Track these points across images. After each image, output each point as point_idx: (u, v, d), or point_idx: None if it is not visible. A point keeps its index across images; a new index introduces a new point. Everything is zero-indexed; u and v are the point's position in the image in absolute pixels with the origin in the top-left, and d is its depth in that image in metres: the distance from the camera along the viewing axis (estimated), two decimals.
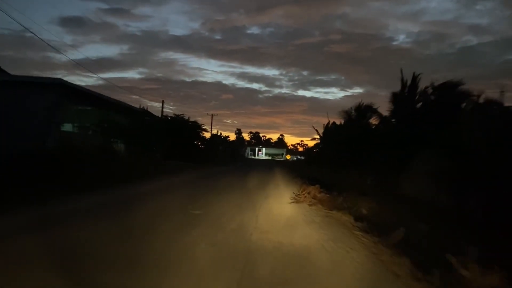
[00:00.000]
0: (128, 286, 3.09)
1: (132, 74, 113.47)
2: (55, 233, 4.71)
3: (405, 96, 15.99)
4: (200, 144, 34.60)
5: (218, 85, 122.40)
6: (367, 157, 16.60)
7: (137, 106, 26.53)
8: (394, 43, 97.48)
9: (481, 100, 12.42)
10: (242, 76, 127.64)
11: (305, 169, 24.71)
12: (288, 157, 76.52)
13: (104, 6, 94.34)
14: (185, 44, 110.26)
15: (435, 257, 4.45)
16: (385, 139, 15.68)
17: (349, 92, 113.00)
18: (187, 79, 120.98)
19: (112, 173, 12.88)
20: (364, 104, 22.30)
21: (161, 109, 34.82)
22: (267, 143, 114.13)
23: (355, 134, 20.43)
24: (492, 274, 3.23)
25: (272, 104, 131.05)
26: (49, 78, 15.77)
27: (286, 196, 9.86)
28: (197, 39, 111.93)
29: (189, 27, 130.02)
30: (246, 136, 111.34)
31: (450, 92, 14.13)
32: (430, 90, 15.03)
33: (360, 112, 22.59)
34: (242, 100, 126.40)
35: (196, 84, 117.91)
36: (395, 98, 16.28)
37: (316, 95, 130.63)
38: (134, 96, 79.62)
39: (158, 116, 30.35)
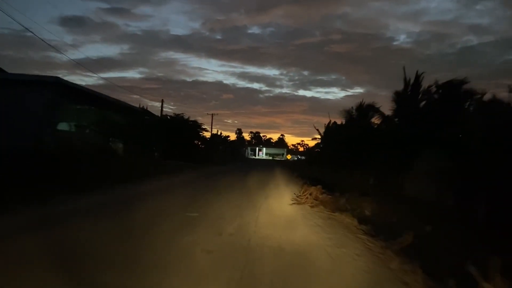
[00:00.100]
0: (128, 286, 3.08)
1: (133, 74, 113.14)
2: (53, 233, 4.67)
3: (408, 95, 15.74)
4: (200, 144, 34.33)
5: (219, 85, 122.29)
6: (369, 157, 16.35)
7: (138, 106, 26.37)
8: (395, 43, 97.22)
9: (485, 99, 12.15)
10: (243, 76, 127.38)
11: (306, 169, 24.44)
12: (289, 157, 76.21)
13: (105, 5, 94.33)
14: (186, 44, 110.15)
15: (447, 264, 4.17)
16: (387, 139, 15.44)
17: (350, 92, 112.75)
18: (188, 79, 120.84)
19: (111, 173, 12.68)
20: (365, 103, 22.08)
21: (161, 108, 34.55)
22: (268, 143, 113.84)
23: (357, 134, 20.19)
24: None
25: (273, 104, 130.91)
26: (46, 76, 15.53)
27: (287, 197, 9.58)
28: (197, 39, 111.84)
29: (189, 27, 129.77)
30: (246, 136, 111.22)
31: (454, 90, 13.86)
32: (433, 89, 14.78)
33: (361, 112, 22.34)
34: (242, 100, 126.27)
35: (196, 84, 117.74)
36: (398, 97, 16.02)
37: (317, 95, 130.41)
38: (134, 96, 79.98)
39: (157, 116, 30.09)
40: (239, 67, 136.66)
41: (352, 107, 23.65)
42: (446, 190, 11.31)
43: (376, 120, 19.49)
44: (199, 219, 6.00)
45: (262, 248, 4.35)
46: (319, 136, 29.44)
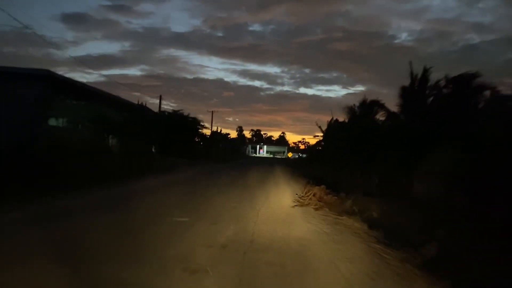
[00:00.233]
0: None
1: (134, 71, 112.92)
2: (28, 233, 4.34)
3: (415, 90, 15.05)
4: (199, 141, 33.69)
5: (220, 83, 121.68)
6: (374, 155, 15.69)
7: (137, 102, 25.63)
8: (397, 41, 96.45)
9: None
10: (244, 73, 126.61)
11: (307, 167, 23.70)
12: (290, 155, 75.31)
13: (106, 3, 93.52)
14: (187, 41, 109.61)
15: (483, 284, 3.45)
16: (393, 136, 14.79)
17: (351, 90, 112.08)
18: (189, 76, 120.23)
19: (103, 171, 12.12)
20: (368, 99, 21.35)
21: (162, 105, 33.80)
22: (269, 140, 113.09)
23: (361, 131, 19.50)
24: None
25: (274, 102, 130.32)
26: (36, 69, 14.78)
27: (288, 198, 8.86)
28: (198, 36, 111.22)
29: (190, 24, 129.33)
30: (247, 134, 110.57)
31: (466, 84, 13.15)
32: (443, 83, 14.11)
33: (365, 108, 21.64)
34: (243, 97, 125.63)
35: (197, 81, 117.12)
36: (404, 93, 15.31)
37: (318, 93, 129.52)
38: (135, 93, 79.34)
39: (155, 112, 29.36)
40: (240, 65, 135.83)
41: (354, 105, 23.02)
42: (458, 191, 10.56)
43: (380, 116, 18.68)
44: (188, 225, 5.28)
45: (259, 264, 3.62)
46: (321, 134, 28.74)
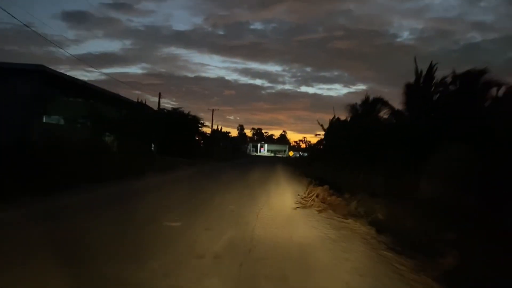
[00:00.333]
0: None
1: (135, 69, 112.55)
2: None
3: (420, 87, 14.61)
4: (200, 140, 33.28)
5: (221, 81, 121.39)
6: (377, 154, 15.28)
7: (138, 100, 25.21)
8: (398, 39, 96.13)
9: None
10: (245, 72, 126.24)
11: (309, 166, 23.25)
12: (291, 153, 74.83)
13: (107, 1, 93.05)
14: (188, 39, 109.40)
15: None
16: (398, 134, 14.37)
17: (352, 88, 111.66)
18: (190, 75, 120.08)
19: (100, 170, 11.75)
20: (370, 96, 20.92)
21: (163, 103, 33.37)
22: (270, 139, 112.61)
23: (364, 129, 19.08)
24: None
25: (275, 101, 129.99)
26: (30, 64, 14.32)
27: (290, 199, 8.41)
28: (200, 34, 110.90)
29: (192, 23, 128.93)
30: (248, 132, 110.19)
31: (474, 81, 12.71)
32: (449, 80, 13.69)
33: (368, 106, 21.20)
34: (244, 96, 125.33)
35: (198, 79, 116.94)
36: (409, 90, 14.87)
37: (319, 92, 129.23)
38: (136, 92, 79.19)
39: (155, 110, 28.94)
40: (241, 63, 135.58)
41: (356, 103, 22.58)
42: (468, 192, 10.10)
43: (384, 114, 18.22)
44: (179, 230, 4.80)
45: (257, 279, 3.17)
46: (322, 132, 28.29)
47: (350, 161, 17.74)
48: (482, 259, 4.57)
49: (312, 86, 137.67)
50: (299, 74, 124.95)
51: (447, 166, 10.95)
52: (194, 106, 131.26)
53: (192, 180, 12.60)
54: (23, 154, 12.41)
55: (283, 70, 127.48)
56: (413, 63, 14.25)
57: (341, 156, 20.31)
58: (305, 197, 8.24)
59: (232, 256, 3.72)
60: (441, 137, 11.84)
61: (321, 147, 31.96)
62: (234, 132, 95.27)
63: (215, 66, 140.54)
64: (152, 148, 25.34)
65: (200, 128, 31.35)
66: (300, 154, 67.40)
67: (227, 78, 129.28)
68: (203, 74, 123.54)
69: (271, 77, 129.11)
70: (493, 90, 12.04)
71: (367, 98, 21.30)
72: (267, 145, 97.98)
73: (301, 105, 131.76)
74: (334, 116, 27.12)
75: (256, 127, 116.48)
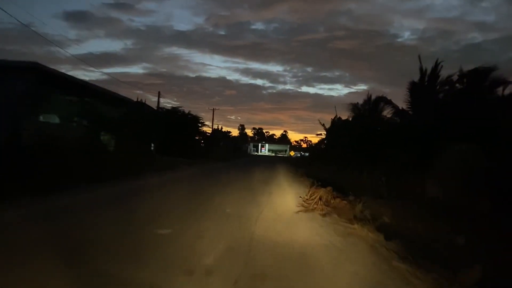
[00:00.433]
0: None
1: (136, 69, 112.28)
2: None
3: (425, 86, 14.21)
4: (199, 139, 32.89)
5: (222, 81, 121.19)
6: (381, 154, 14.88)
7: (138, 100, 24.84)
8: (399, 39, 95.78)
9: None
10: (246, 72, 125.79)
11: (310, 166, 22.81)
12: (292, 153, 74.47)
13: (109, 1, 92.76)
14: (189, 39, 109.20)
15: None
16: (403, 133, 13.98)
17: (353, 88, 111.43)
18: (191, 75, 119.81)
19: (96, 170, 11.42)
20: (373, 96, 20.60)
21: (164, 103, 33.00)
22: (271, 139, 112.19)
23: (367, 128, 18.70)
24: None
25: (276, 100, 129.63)
26: (24, 61, 13.93)
27: (291, 201, 7.98)
28: (201, 34, 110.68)
29: (193, 22, 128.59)
30: (249, 132, 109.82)
31: (482, 78, 12.30)
32: (456, 78, 13.29)
33: (370, 105, 20.83)
34: (245, 96, 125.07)
35: (199, 79, 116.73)
36: (413, 88, 14.46)
37: (320, 92, 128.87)
38: (137, 92, 78.69)
39: (154, 109, 28.54)
40: (242, 63, 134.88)
41: (357, 103, 22.21)
42: (478, 193, 9.67)
43: (387, 114, 17.82)
44: (169, 239, 4.34)
45: None
46: (324, 132, 27.90)
47: (353, 161, 17.33)
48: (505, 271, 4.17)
49: (313, 86, 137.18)
50: (300, 74, 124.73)
51: (454, 166, 10.54)
52: (195, 106, 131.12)
53: (190, 181, 12.18)
54: (13, 153, 12.04)
55: (284, 70, 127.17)
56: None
57: (343, 156, 19.91)
58: (307, 199, 7.81)
59: (226, 272, 3.27)
60: (448, 136, 11.43)
61: (323, 146, 31.55)
62: (235, 132, 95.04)
63: (216, 66, 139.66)
64: (152, 148, 24.95)
65: (200, 128, 30.97)
66: (301, 154, 67.02)
67: (228, 78, 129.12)
68: (204, 74, 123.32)
69: (272, 77, 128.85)
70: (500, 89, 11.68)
71: (369, 97, 20.94)
72: (268, 145, 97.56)
73: (302, 105, 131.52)
74: (336, 116, 26.74)
75: (257, 127, 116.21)
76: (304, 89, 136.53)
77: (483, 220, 7.95)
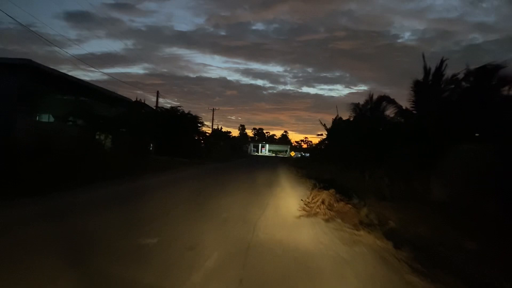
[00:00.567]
0: None
1: (137, 69, 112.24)
2: None
3: (429, 85, 13.81)
4: (199, 139, 32.49)
5: (223, 81, 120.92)
6: (384, 154, 14.48)
7: (140, 100, 24.45)
8: (399, 40, 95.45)
9: None
10: (247, 72, 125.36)
11: (311, 166, 22.37)
12: (292, 154, 73.99)
13: (109, 1, 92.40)
14: (190, 39, 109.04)
15: None
16: (407, 133, 13.58)
17: (354, 89, 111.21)
18: (192, 75, 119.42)
19: (89, 170, 11.06)
20: (374, 95, 20.24)
21: (165, 103, 32.60)
22: (271, 139, 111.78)
23: (369, 128, 18.32)
24: None
25: (276, 101, 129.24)
26: (16, 58, 13.54)
27: (292, 205, 7.53)
28: (201, 34, 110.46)
29: (193, 23, 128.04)
30: (249, 132, 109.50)
31: (490, 76, 11.89)
32: (462, 76, 12.88)
33: (372, 104, 20.45)
34: (246, 96, 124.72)
35: (200, 80, 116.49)
36: (417, 87, 14.07)
37: (321, 92, 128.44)
38: (138, 92, 78.33)
39: (152, 108, 28.12)
40: (243, 64, 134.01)
41: (359, 103, 21.83)
42: (488, 195, 9.24)
43: (390, 113, 17.44)
44: (153, 250, 3.82)
45: None
46: (325, 132, 27.52)
47: (354, 161, 16.93)
48: None
49: (313, 86, 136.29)
50: (300, 74, 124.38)
51: (462, 167, 10.12)
52: (196, 106, 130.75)
53: (186, 181, 11.73)
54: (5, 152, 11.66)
55: (285, 71, 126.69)
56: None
57: (345, 156, 19.50)
58: (309, 202, 7.37)
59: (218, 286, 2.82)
60: (456, 136, 11.03)
61: (324, 147, 31.15)
62: (235, 132, 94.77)
63: (217, 66, 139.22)
64: (151, 148, 24.56)
65: (199, 128, 30.57)
66: (301, 155, 66.64)
67: (228, 78, 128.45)
68: (205, 75, 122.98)
69: (272, 78, 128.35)
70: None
71: (371, 97, 20.54)
72: (268, 145, 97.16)
73: (303, 105, 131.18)
74: (337, 115, 26.33)
75: (257, 127, 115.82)
76: (305, 89, 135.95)
77: (494, 224, 7.53)
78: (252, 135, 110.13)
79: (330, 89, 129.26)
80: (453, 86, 13.06)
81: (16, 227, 4.57)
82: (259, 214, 6.27)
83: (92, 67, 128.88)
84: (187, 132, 27.35)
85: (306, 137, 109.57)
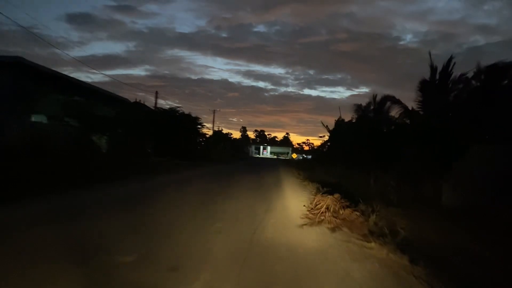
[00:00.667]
0: None
1: (138, 71, 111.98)
2: None
3: (436, 84, 13.28)
4: (199, 141, 31.97)
5: (224, 83, 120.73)
6: (389, 156, 13.94)
7: (139, 101, 24.00)
8: (401, 42, 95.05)
9: None
10: (248, 74, 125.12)
11: (313, 169, 21.76)
12: (294, 156, 73.34)
13: (112, 3, 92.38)
14: (192, 41, 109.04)
15: None
16: (414, 134, 13.03)
17: (355, 91, 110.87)
18: (193, 77, 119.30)
19: (82, 172, 10.74)
20: (376, 95, 19.81)
21: (166, 105, 32.09)
22: (273, 141, 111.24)
23: (373, 129, 17.80)
24: None
25: (278, 103, 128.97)
26: (6, 56, 13.03)
27: (294, 212, 6.90)
28: (203, 36, 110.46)
29: (195, 25, 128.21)
30: (251, 134, 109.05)
31: (502, 74, 11.37)
32: (471, 75, 12.38)
33: (376, 105, 19.99)
34: (248, 98, 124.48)
35: (202, 81, 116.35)
36: (424, 87, 13.53)
37: (322, 94, 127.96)
38: (140, 94, 78.45)
39: (151, 108, 27.60)
40: (244, 66, 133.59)
41: (361, 104, 21.40)
42: (505, 200, 8.64)
43: (395, 114, 16.93)
44: (130, 272, 3.13)
45: None
46: (327, 134, 27.01)
47: (358, 164, 16.39)
48: None
49: (315, 88, 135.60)
50: (302, 76, 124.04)
51: (476, 169, 9.56)
52: (198, 108, 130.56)
53: (182, 185, 11.13)
54: None
55: (286, 73, 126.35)
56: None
57: (348, 158, 18.95)
58: (312, 208, 6.76)
59: None
60: (465, 136, 10.48)
61: (326, 149, 30.64)
62: (237, 134, 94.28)
63: (219, 68, 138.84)
64: (149, 150, 24.02)
65: (199, 129, 30.04)
66: (303, 157, 66.04)
67: (230, 80, 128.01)
68: (207, 76, 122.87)
69: (274, 80, 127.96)
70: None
71: (374, 97, 20.05)
72: (270, 147, 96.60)
73: (304, 107, 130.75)
74: (340, 117, 25.79)
75: (259, 129, 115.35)
76: (306, 91, 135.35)
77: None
78: (254, 137, 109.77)
79: (331, 91, 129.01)
80: (461, 85, 12.50)
81: None
82: (257, 224, 5.60)
83: (94, 69, 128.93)
84: (187, 133, 26.82)
85: (307, 139, 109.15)
